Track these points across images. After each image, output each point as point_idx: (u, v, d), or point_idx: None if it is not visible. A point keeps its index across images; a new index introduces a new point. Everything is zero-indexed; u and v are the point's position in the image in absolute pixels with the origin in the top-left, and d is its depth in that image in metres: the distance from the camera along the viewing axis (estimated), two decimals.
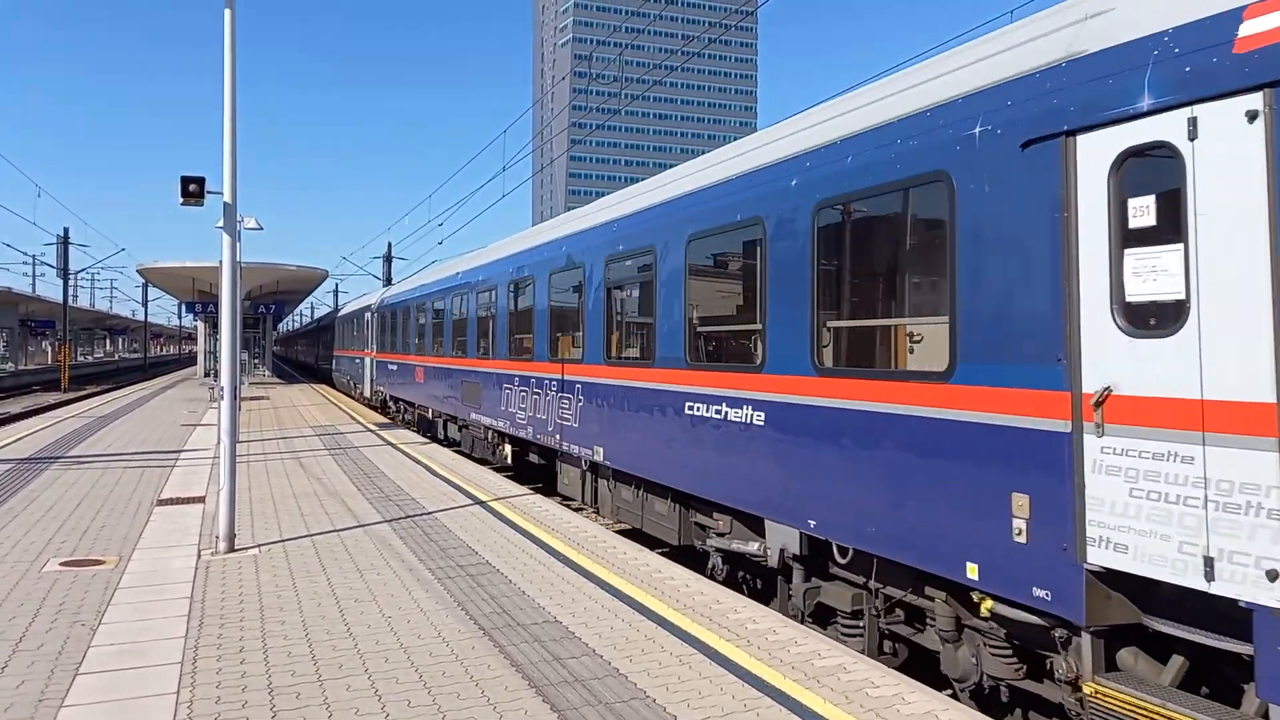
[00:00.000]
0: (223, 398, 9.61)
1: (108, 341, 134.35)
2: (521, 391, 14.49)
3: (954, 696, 6.51)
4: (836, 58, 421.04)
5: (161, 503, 11.99)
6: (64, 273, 51.07)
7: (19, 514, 11.11)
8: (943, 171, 5.93)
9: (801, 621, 7.69)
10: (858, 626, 7.25)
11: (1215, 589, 4.32)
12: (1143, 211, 4.75)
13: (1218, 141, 4.38)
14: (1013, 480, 5.32)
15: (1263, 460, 4.16)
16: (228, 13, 9.44)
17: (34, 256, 66.77)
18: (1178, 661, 4.92)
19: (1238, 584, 4.22)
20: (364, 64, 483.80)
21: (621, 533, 11.41)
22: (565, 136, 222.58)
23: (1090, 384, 4.92)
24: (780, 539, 7.77)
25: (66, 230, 50.29)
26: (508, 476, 15.65)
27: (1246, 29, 4.30)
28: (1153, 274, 4.67)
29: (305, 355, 72.02)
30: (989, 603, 5.70)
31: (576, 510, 14.13)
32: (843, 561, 7.24)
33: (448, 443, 20.85)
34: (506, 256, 16.02)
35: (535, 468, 16.84)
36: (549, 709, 5.28)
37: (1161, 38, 4.69)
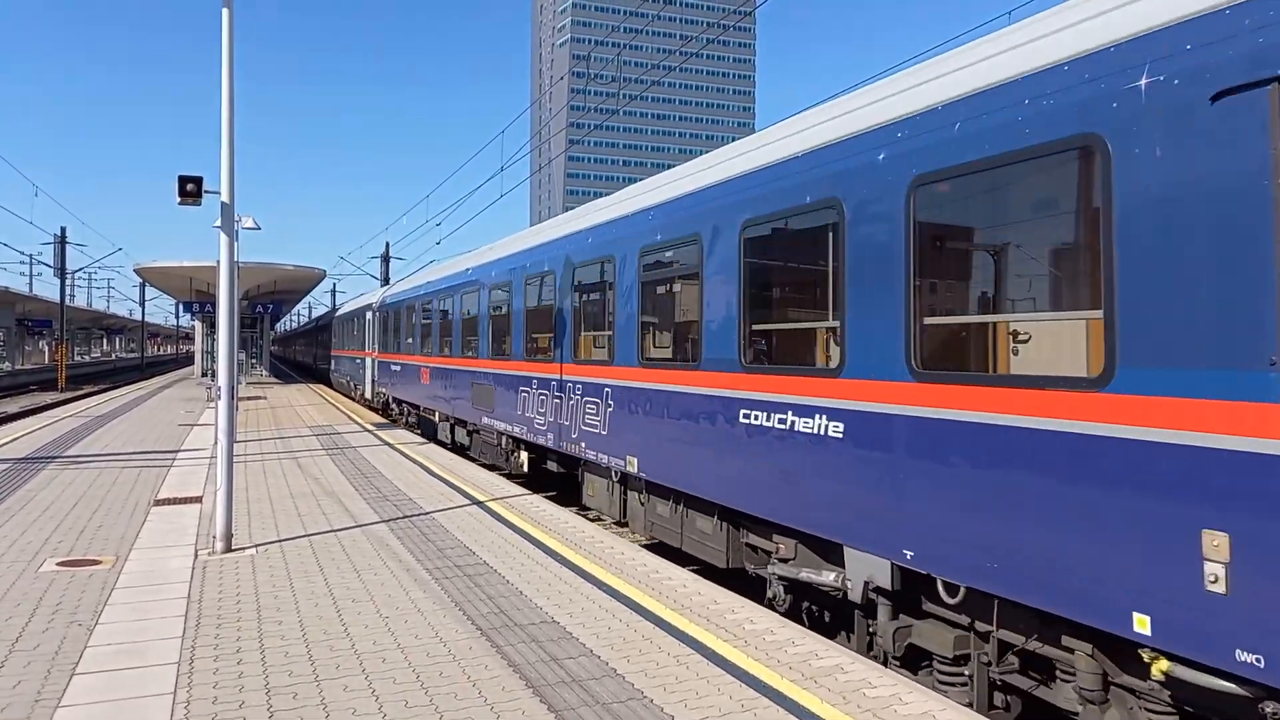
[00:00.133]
0: (220, 397, 9.60)
1: (105, 341, 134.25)
2: (540, 395, 13.44)
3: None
4: (835, 58, 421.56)
5: (159, 503, 11.98)
6: (61, 272, 50.99)
7: (16, 514, 11.10)
8: (1093, 135, 4.92)
9: (884, 663, 6.89)
10: (960, 674, 6.27)
11: None
12: None
13: None
14: (1204, 515, 4.34)
15: None
16: (225, 12, 9.44)
17: (31, 256, 66.69)
18: None
19: None
20: (362, 64, 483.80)
21: (654, 551, 10.37)
22: (563, 136, 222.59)
23: None
24: (865, 570, 6.68)
25: (64, 229, 50.23)
26: (518, 482, 15.19)
27: None
28: None
29: (303, 355, 71.98)
30: (1163, 663, 4.72)
31: (593, 518, 13.90)
32: (952, 601, 6.10)
33: (454, 447, 20.20)
34: (523, 250, 14.86)
35: (553, 476, 15.87)
36: (546, 709, 5.28)
37: None
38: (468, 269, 18.59)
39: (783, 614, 8.04)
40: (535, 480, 16.39)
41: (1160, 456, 4.54)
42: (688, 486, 9.12)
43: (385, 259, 58.30)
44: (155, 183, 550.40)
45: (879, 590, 6.71)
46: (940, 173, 5.95)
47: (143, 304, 78.49)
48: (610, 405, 10.91)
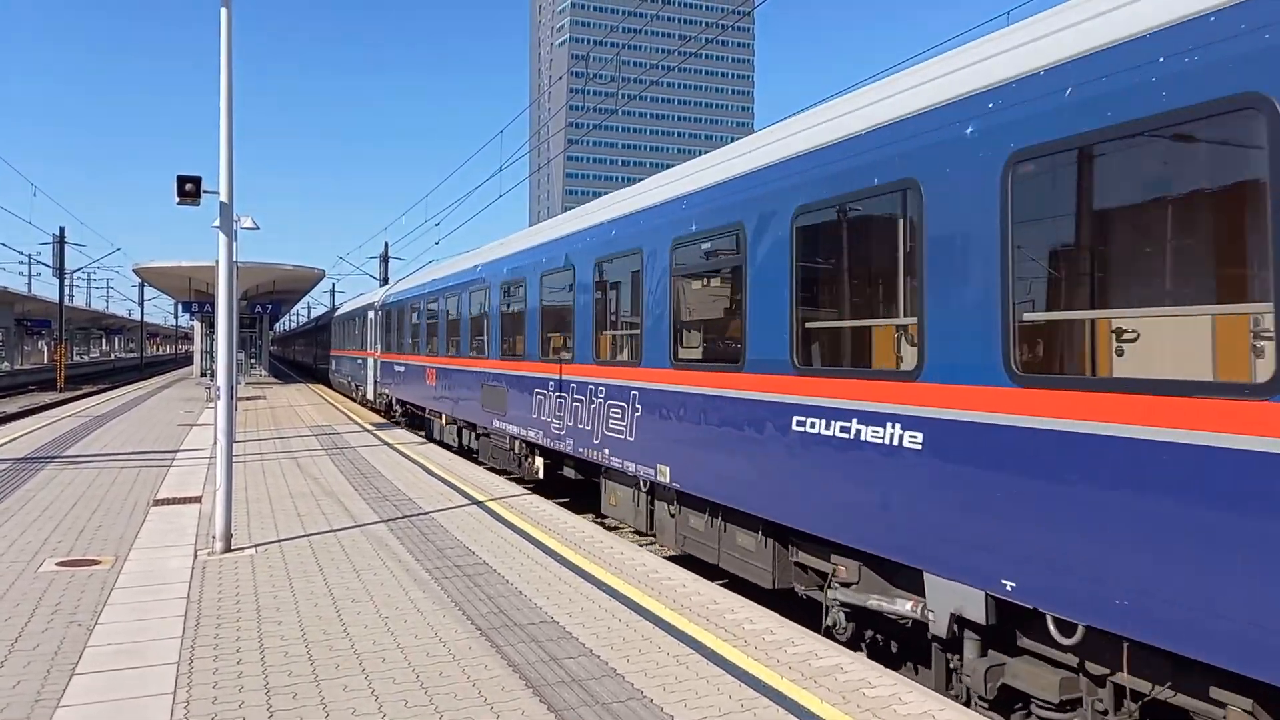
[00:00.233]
0: (219, 397, 9.60)
1: (104, 341, 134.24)
2: (558, 398, 12.56)
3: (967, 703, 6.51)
4: (834, 58, 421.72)
5: (158, 503, 11.98)
6: (60, 272, 51.00)
7: (15, 514, 11.09)
8: (1258, 94, 4.08)
9: (967, 703, 6.20)
10: None
11: None
12: None
13: None
14: None
15: None
16: (224, 12, 9.44)
17: (30, 256, 66.71)
18: None
19: None
20: (361, 64, 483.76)
21: (684, 565, 9.55)
22: (562, 136, 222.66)
23: None
24: (951, 600, 5.83)
25: (62, 229, 50.24)
26: (528, 487, 14.72)
27: None
28: None
29: (303, 355, 71.97)
30: None
31: (610, 528, 13.52)
32: (1068, 641, 5.29)
33: (462, 451, 19.69)
34: (540, 245, 13.97)
35: (568, 482, 15.11)
36: (546, 709, 5.29)
37: None
38: (477, 265, 17.78)
39: (843, 643, 7.35)
40: (549, 486, 15.64)
41: None
42: (728, 499, 8.32)
43: (384, 259, 58.31)
44: (154, 182, 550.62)
45: (965, 622, 5.94)
46: (1045, 146, 5.15)
47: (141, 304, 78.55)
48: (638, 410, 10.12)
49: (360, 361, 33.60)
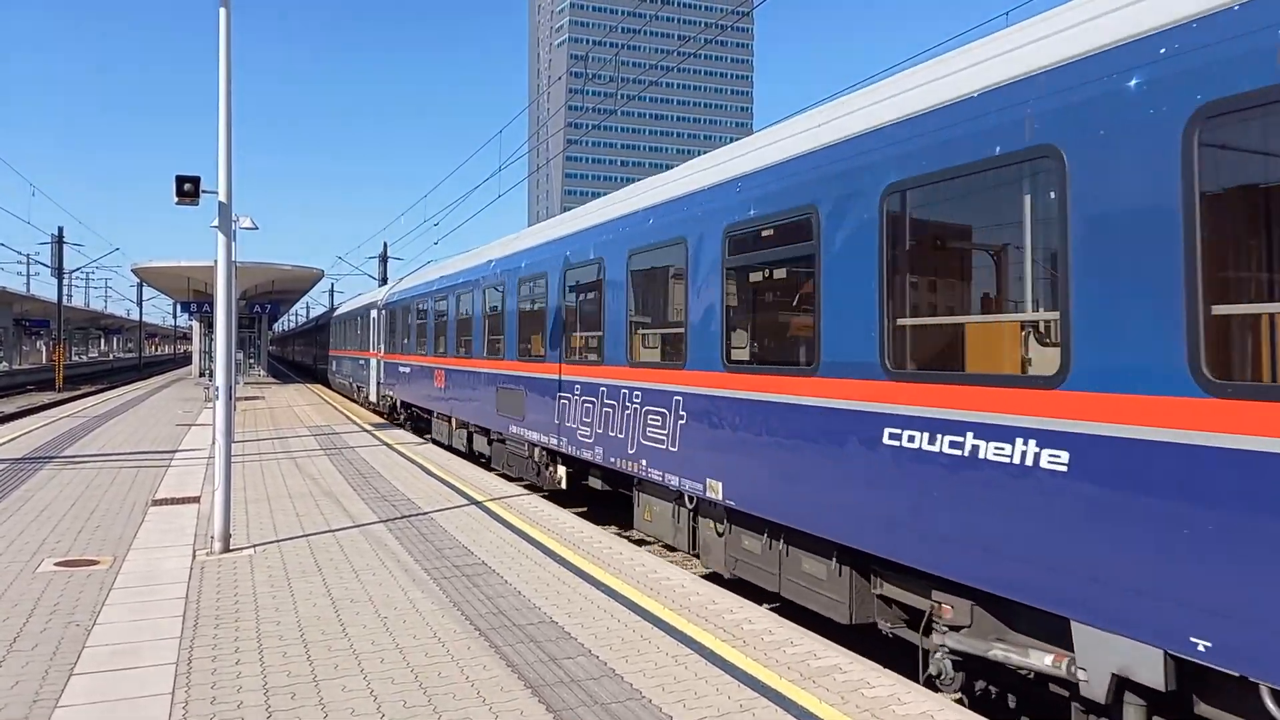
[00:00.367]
0: (218, 398, 9.60)
1: (102, 341, 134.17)
2: (585, 403, 11.63)
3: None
4: (834, 58, 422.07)
5: (156, 503, 11.97)
6: (59, 272, 50.97)
7: (14, 514, 11.09)
8: None
9: None
10: None
11: None
12: None
13: None
14: None
15: None
16: (223, 11, 9.43)
17: (28, 256, 66.71)
18: None
19: None
20: (360, 64, 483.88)
21: (734, 589, 8.64)
22: (561, 137, 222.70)
23: None
24: (1112, 658, 4.86)
25: (61, 229, 50.22)
26: (543, 495, 13.95)
27: None
28: None
29: (302, 355, 71.95)
30: None
31: (634, 540, 12.66)
32: None
33: (472, 456, 18.81)
34: (562, 238, 12.99)
35: (591, 492, 14.03)
36: (545, 709, 5.28)
37: None
38: (491, 261, 16.76)
39: (953, 699, 6.36)
40: (567, 494, 14.81)
41: None
42: (795, 520, 7.35)
43: (383, 259, 58.32)
44: (153, 183, 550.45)
45: (1130, 685, 4.96)
46: (1248, 97, 4.21)
47: (140, 304, 78.54)
48: (682, 417, 9.16)
49: (362, 362, 32.84)
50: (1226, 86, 4.30)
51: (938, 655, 6.32)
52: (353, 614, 7.15)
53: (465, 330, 18.15)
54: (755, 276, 8.23)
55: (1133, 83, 4.76)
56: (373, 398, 30.32)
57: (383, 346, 28.70)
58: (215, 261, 9.70)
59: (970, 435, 5.59)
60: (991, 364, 5.78)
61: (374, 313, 30.47)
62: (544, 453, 13.92)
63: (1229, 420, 4.25)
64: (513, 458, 15.42)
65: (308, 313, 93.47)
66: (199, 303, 43.03)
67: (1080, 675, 5.05)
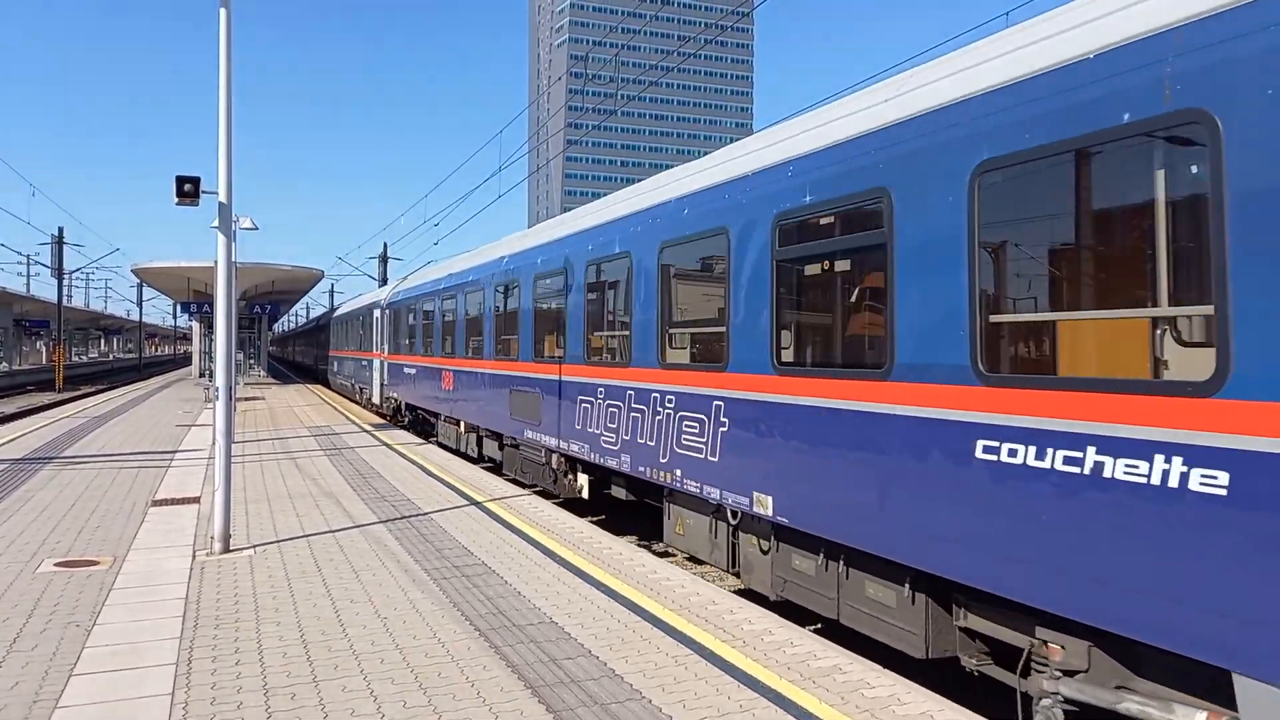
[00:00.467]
0: (218, 398, 9.60)
1: (102, 341, 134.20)
2: (610, 407, 10.85)
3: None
4: (834, 59, 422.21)
5: (156, 503, 11.97)
6: (59, 272, 51.01)
7: (14, 514, 11.09)
8: None
9: None
10: None
11: None
12: None
13: None
14: None
15: None
16: (223, 12, 9.43)
17: (28, 256, 66.76)
18: None
19: None
20: (359, 65, 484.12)
21: (778, 611, 7.84)
22: (561, 137, 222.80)
23: None
24: None
25: (61, 230, 50.28)
26: (556, 502, 13.29)
27: None
28: None
29: (302, 356, 71.96)
30: None
31: (656, 552, 11.84)
32: None
33: (482, 461, 18.14)
34: (582, 232, 12.25)
35: (611, 501, 13.18)
36: (544, 709, 5.28)
37: None
38: (504, 257, 15.91)
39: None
40: (584, 504, 13.96)
41: None
42: (859, 540, 6.55)
43: (383, 259, 58.33)
44: (153, 183, 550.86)
45: None
46: None
47: (140, 304, 78.60)
48: (723, 425, 8.36)
49: (365, 363, 32.04)
50: None
51: (1046, 703, 5.41)
52: (353, 614, 7.15)
53: (476, 330, 17.37)
54: (812, 269, 7.40)
55: None
56: (376, 400, 29.59)
57: (387, 347, 28.00)
58: (215, 262, 9.70)
59: (1092, 450, 4.84)
60: (1117, 367, 5.06)
61: (377, 312, 29.82)
62: (562, 459, 13.10)
63: None
64: (527, 464, 14.62)
65: (308, 313, 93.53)
66: (199, 303, 43.06)
67: None
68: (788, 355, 7.62)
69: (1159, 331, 4.81)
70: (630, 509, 13.74)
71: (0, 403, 43.90)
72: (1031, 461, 5.16)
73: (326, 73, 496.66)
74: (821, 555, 7.44)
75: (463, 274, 18.66)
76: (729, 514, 8.79)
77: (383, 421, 25.80)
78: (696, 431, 8.85)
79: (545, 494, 14.37)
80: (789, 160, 7.63)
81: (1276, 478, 3.99)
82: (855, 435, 6.59)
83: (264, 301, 48.73)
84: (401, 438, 20.88)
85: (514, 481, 15.17)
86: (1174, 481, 4.44)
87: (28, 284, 77.17)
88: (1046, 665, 5.44)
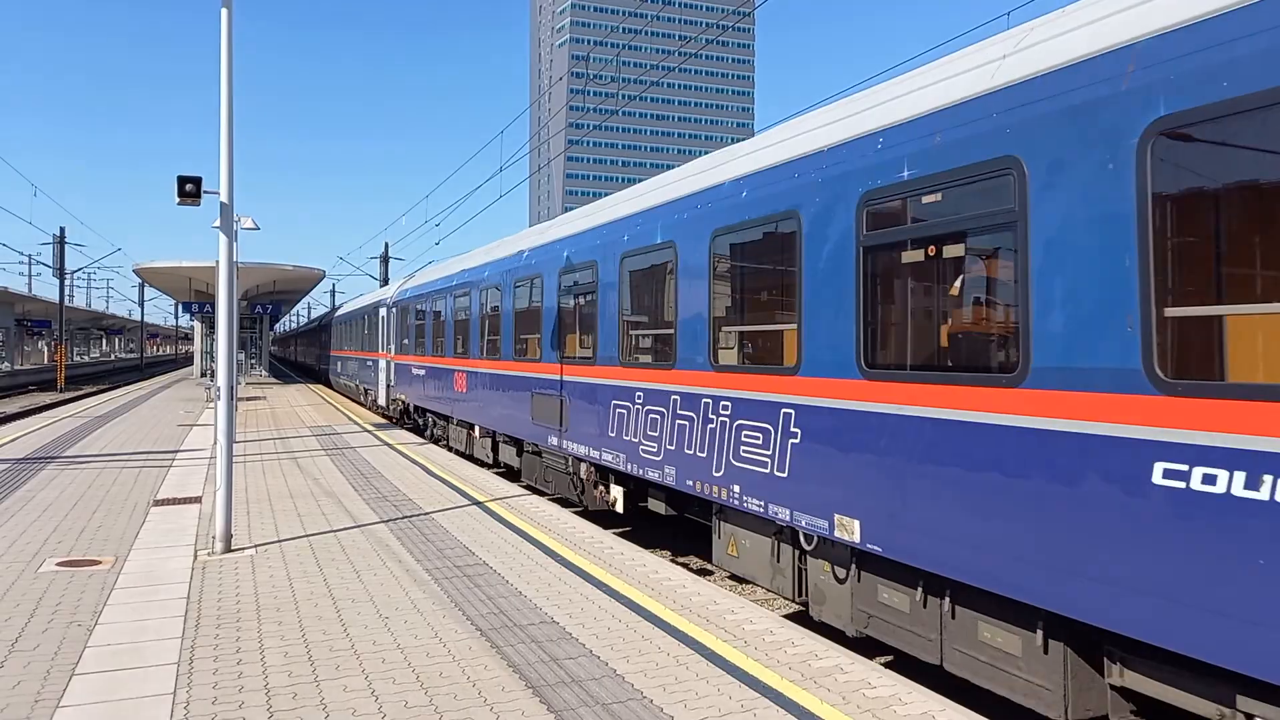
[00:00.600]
0: (219, 398, 9.61)
1: (104, 341, 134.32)
2: (652, 413, 9.88)
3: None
4: (834, 59, 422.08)
5: (158, 503, 11.98)
6: (60, 272, 51.06)
7: (15, 514, 11.10)
8: None
9: None
10: None
11: None
12: None
13: None
14: None
15: None
16: (224, 13, 9.44)
17: (30, 256, 66.85)
18: None
19: None
20: (360, 65, 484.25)
21: (858, 650, 7.56)
22: (562, 137, 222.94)
23: None
24: None
25: (63, 230, 50.34)
26: (576, 512, 12.89)
27: None
28: None
29: (304, 356, 72.00)
30: None
31: (697, 569, 11.26)
32: None
33: (495, 466, 17.56)
34: (613, 222, 11.33)
35: (649, 514, 12.23)
36: (545, 709, 5.29)
37: None
38: (523, 251, 14.90)
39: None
40: (607, 515, 13.30)
41: None
42: (979, 576, 5.53)
43: (384, 259, 58.37)
44: (155, 183, 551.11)
45: None
46: None
47: (142, 304, 78.68)
48: (793, 436, 7.39)
49: (370, 363, 31.10)
50: None
51: None
52: (354, 614, 7.15)
53: (492, 329, 16.30)
54: (911, 255, 6.29)
55: None
56: (381, 401, 28.69)
57: (394, 347, 27.01)
58: (217, 262, 9.71)
59: None
60: None
61: (384, 310, 28.80)
62: (591, 469, 12.16)
63: None
64: (550, 472, 13.69)
65: (309, 313, 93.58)
66: (200, 303, 43.18)
67: None
68: (878, 357, 6.57)
69: None
70: (658, 519, 13.00)
71: (2, 402, 43.94)
72: (1242, 492, 4.13)
73: (326, 74, 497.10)
74: (920, 589, 6.36)
75: (478, 269, 17.65)
76: (801, 538, 7.79)
77: (384, 421, 25.80)
78: (759, 443, 7.87)
79: (564, 502, 13.82)
80: (879, 130, 6.64)
81: None
82: (972, 453, 5.60)
83: (265, 301, 48.81)
84: (403, 437, 20.89)
85: (531, 489, 14.45)
86: None
87: (29, 284, 77.31)
88: None
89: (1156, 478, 4.52)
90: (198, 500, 12.20)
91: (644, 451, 10.07)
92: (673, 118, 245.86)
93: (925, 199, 6.12)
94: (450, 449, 20.32)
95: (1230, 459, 4.19)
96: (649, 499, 11.29)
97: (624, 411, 10.63)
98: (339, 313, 43.41)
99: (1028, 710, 6.43)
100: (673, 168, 10.36)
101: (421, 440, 20.51)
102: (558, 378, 12.84)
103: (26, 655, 6.14)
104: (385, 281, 54.88)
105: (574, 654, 6.26)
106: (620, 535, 11.90)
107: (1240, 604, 4.15)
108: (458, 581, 8.17)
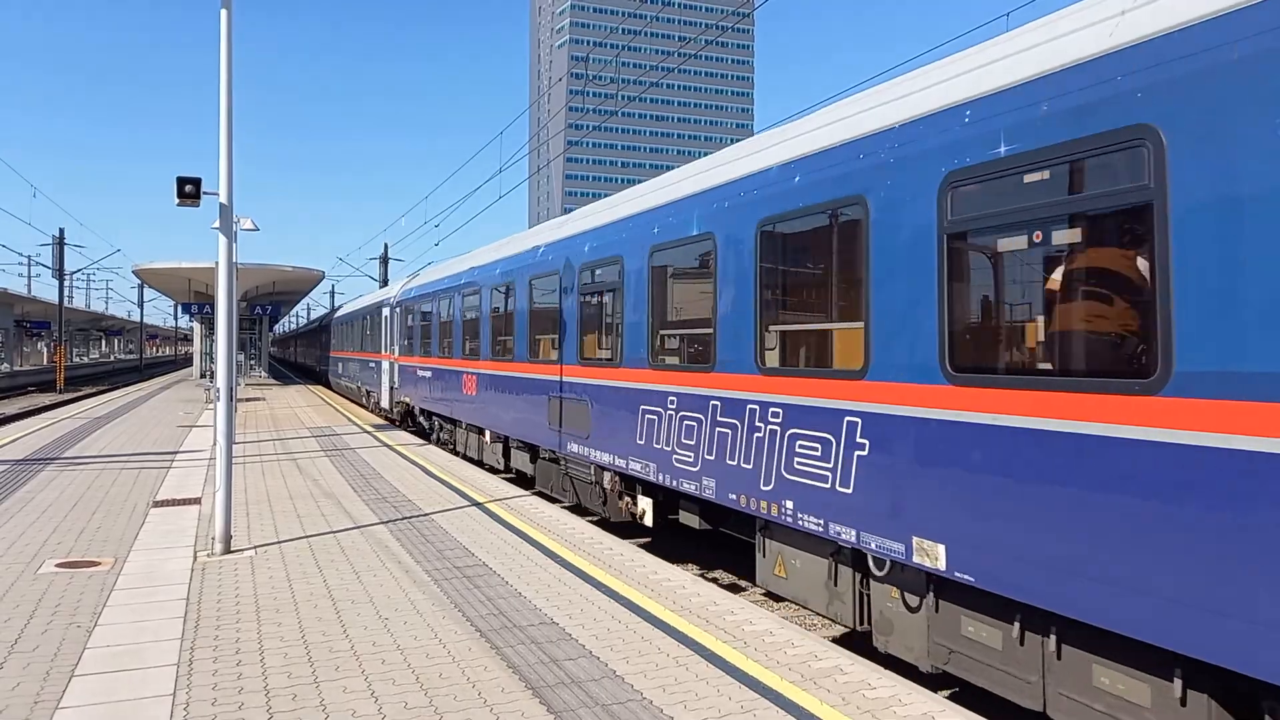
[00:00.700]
0: (219, 399, 9.61)
1: (103, 342, 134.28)
2: (689, 420, 9.08)
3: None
4: (834, 60, 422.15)
5: (158, 504, 11.98)
6: (59, 273, 51.07)
7: (15, 515, 11.09)
8: None
9: None
10: None
11: None
12: None
13: None
14: None
15: None
16: (224, 13, 9.44)
17: (29, 257, 66.94)
18: None
19: None
20: (360, 65, 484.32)
21: (941, 689, 6.97)
22: (562, 138, 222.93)
23: None
24: None
25: (62, 231, 50.37)
26: (594, 522, 12.34)
27: None
28: None
29: (304, 357, 71.99)
30: None
31: (725, 585, 10.60)
32: None
33: (506, 472, 16.93)
34: (639, 214, 10.52)
35: (676, 526, 11.56)
36: (545, 710, 5.28)
37: None
38: (538, 247, 14.04)
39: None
40: (629, 527, 12.57)
41: None
42: (1102, 616, 4.75)
43: (384, 260, 58.36)
44: (155, 184, 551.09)
45: None
46: None
47: (141, 305, 78.70)
48: (860, 447, 6.62)
49: (372, 365, 30.34)
50: None
51: None
52: (354, 615, 7.15)
53: (505, 329, 15.43)
54: (1008, 243, 5.52)
55: None
56: (385, 404, 27.88)
57: (397, 348, 26.24)
58: (216, 263, 9.71)
59: None
60: None
61: (387, 310, 27.94)
62: (616, 478, 11.50)
63: None
64: (570, 481, 12.91)
65: (308, 314, 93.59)
66: (200, 304, 43.16)
67: None
68: (967, 359, 5.76)
69: None
70: (686, 530, 12.57)
71: (1, 404, 43.92)
72: None
73: (326, 74, 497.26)
74: (1017, 624, 5.58)
75: (489, 266, 16.75)
76: (870, 561, 6.94)
77: (384, 423, 25.80)
78: (818, 454, 7.11)
79: (579, 509, 13.44)
80: (966, 102, 5.85)
81: None
82: (1093, 472, 4.81)
83: (265, 302, 48.80)
84: (403, 439, 20.89)
85: (544, 496, 13.89)
86: None
87: (29, 285, 77.33)
88: None
89: None
90: (197, 501, 12.19)
91: (678, 461, 9.31)
92: (672, 118, 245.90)
93: (1027, 179, 5.31)
94: (458, 454, 19.89)
95: None
96: (680, 512, 10.58)
97: (654, 418, 9.88)
98: (339, 313, 43.24)
99: (1028, 710, 6.43)
100: (673, 168, 10.23)
101: (421, 442, 20.52)
102: (580, 381, 12.08)
103: (26, 656, 6.14)
104: (385, 282, 54.87)
105: (573, 655, 6.26)
106: (641, 546, 11.30)
107: None
108: (457, 582, 8.17)
